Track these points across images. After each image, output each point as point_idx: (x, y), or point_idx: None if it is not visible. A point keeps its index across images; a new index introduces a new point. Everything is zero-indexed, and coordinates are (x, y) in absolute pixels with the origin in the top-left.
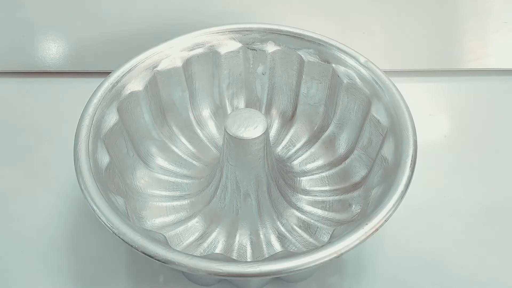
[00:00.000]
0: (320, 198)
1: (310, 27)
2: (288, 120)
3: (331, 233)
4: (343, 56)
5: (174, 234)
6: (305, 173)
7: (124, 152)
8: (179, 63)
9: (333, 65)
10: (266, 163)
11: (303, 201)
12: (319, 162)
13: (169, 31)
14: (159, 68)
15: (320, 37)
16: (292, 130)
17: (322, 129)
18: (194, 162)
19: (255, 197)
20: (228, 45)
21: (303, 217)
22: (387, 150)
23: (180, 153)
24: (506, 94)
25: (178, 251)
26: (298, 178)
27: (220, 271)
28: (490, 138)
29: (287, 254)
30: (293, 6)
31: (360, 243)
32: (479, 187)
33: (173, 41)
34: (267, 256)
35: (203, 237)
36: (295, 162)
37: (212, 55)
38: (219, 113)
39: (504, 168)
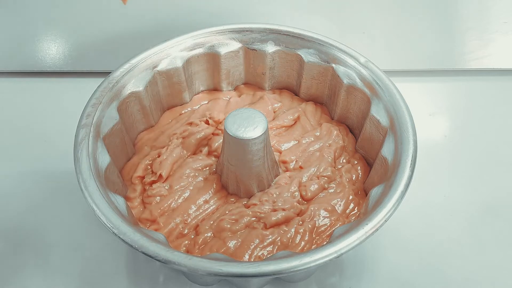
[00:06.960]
0: None
1: (310, 27)
2: None
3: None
4: (343, 56)
5: None
6: None
7: (124, 152)
8: (179, 63)
9: (333, 65)
10: (266, 163)
11: None
12: None
13: (169, 31)
14: (159, 68)
15: (320, 37)
16: None
17: None
18: None
19: None
20: (228, 45)
21: None
22: (387, 150)
23: None
24: (506, 94)
25: (178, 251)
26: None
27: (220, 271)
28: (490, 138)
29: (287, 254)
30: (293, 6)
31: (360, 243)
32: (479, 187)
33: (173, 41)
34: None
35: None
36: None
37: (212, 55)
38: None
39: (504, 168)
